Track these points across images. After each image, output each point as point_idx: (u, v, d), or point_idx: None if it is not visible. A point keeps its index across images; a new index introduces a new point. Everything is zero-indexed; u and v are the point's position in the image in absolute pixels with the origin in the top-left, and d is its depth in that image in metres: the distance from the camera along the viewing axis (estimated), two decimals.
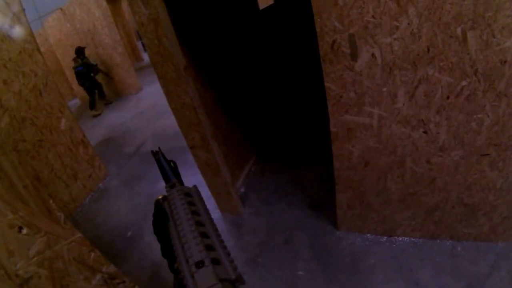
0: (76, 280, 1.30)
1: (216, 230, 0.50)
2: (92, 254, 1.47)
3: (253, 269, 1.98)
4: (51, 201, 1.46)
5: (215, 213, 2.52)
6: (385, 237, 1.91)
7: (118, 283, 1.57)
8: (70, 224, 1.49)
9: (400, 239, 1.87)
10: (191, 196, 0.57)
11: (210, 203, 2.47)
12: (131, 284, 1.68)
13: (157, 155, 0.71)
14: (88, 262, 1.42)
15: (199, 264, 0.40)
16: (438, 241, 1.78)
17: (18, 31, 2.80)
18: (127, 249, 2.48)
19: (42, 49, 3.12)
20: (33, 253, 1.13)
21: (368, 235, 1.96)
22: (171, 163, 0.70)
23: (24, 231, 1.12)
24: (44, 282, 1.14)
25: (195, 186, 0.61)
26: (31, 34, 2.92)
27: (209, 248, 0.44)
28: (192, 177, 2.73)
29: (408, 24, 1.14)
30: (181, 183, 0.65)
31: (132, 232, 2.68)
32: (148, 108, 6.13)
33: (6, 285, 1.00)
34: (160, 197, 0.59)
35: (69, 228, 1.44)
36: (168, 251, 0.52)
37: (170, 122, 4.58)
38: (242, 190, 2.74)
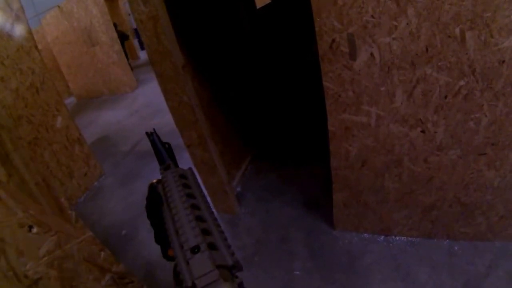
0: (85, 280, 1.26)
1: (212, 213, 0.48)
2: (102, 253, 1.42)
3: (249, 268, 1.97)
4: (62, 199, 1.42)
5: None
6: (382, 236, 1.91)
7: (127, 283, 1.53)
8: (81, 222, 1.44)
9: (397, 238, 1.88)
10: (186, 179, 0.54)
11: None
12: (140, 284, 1.64)
13: (152, 136, 0.68)
14: (98, 261, 1.38)
15: (195, 250, 0.38)
16: (435, 240, 1.79)
17: (17, 29, 2.78)
18: (121, 248, 2.46)
19: (39, 47, 3.09)
20: (43, 253, 1.09)
21: (365, 234, 1.96)
22: (166, 145, 0.67)
23: (35, 230, 1.08)
24: (53, 283, 1.10)
25: (190, 169, 0.59)
26: (29, 31, 2.89)
27: (205, 232, 0.42)
28: None
29: (407, 24, 1.15)
30: (176, 165, 0.62)
31: (127, 230, 2.66)
32: (144, 107, 6.09)
33: (14, 286, 0.97)
34: (154, 181, 0.57)
35: (80, 226, 1.39)
36: (162, 236, 0.50)
37: (166, 120, 4.54)
38: (238, 189, 2.74)
